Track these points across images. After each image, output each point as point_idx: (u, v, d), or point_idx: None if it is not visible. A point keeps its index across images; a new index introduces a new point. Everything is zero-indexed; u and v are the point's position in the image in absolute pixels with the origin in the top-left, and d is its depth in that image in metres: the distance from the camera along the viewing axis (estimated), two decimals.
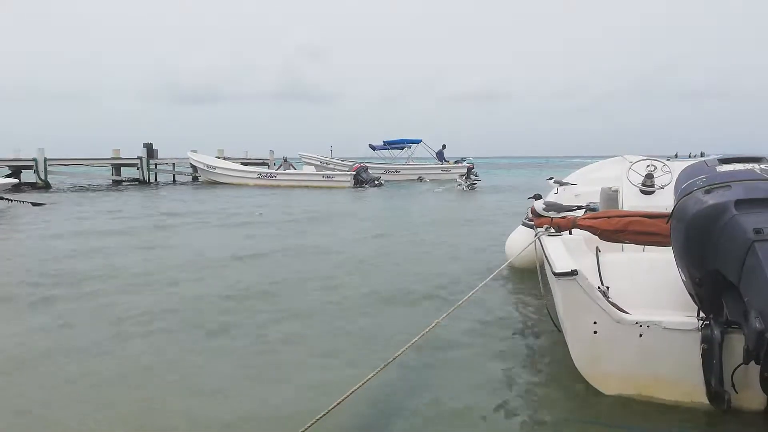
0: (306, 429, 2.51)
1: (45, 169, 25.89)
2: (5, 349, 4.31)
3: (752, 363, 2.89)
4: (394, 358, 3.12)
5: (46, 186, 25.45)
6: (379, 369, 2.97)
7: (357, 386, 2.76)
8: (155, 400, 3.45)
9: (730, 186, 2.97)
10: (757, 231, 2.78)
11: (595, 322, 3.31)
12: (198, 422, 3.18)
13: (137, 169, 29.22)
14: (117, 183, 28.69)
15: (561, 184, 8.56)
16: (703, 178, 3.10)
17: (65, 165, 27.90)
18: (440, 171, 30.49)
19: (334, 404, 2.66)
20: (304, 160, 30.53)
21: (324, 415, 2.60)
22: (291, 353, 4.26)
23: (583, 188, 7.71)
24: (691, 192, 3.09)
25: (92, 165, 29.87)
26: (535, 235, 4.79)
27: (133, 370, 3.91)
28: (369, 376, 2.86)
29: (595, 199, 6.35)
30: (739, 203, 2.89)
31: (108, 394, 3.51)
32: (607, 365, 3.38)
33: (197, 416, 3.25)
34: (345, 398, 2.69)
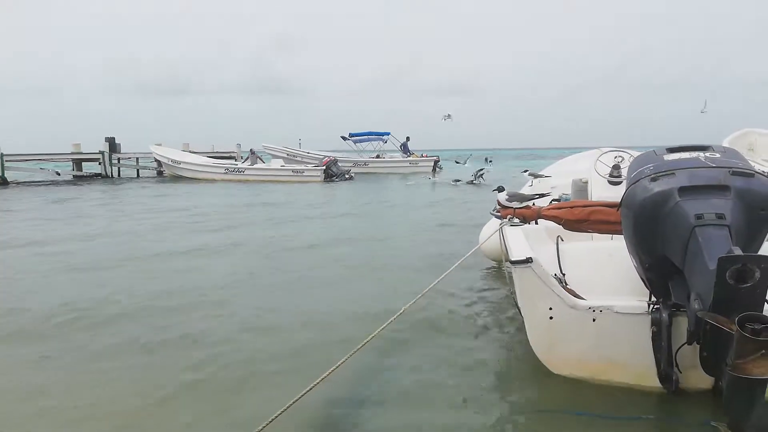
0: (270, 422, 2.50)
1: (2, 164, 25.06)
2: None
3: (696, 344, 3.00)
4: (362, 345, 3.15)
5: (3, 182, 24.65)
6: (346, 357, 3.02)
7: (326, 373, 2.81)
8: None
9: (674, 174, 3.07)
10: (698, 216, 2.89)
11: (550, 308, 3.40)
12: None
13: (99, 164, 28.52)
14: (78, 178, 27.94)
15: (536, 176, 8.78)
16: (651, 166, 3.20)
17: (24, 160, 27.05)
18: (408, 164, 30.61)
19: (303, 392, 2.68)
20: (268, 152, 30.07)
21: (293, 403, 2.63)
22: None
23: (557, 180, 7.87)
24: (638, 180, 3.20)
25: (52, 160, 29.01)
26: (500, 225, 4.90)
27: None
28: (337, 364, 2.92)
29: (568, 190, 6.53)
30: (683, 190, 2.99)
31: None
32: (562, 350, 3.48)
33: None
34: (314, 386, 2.73)
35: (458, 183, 21.62)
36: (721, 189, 2.96)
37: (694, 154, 3.20)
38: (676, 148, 3.32)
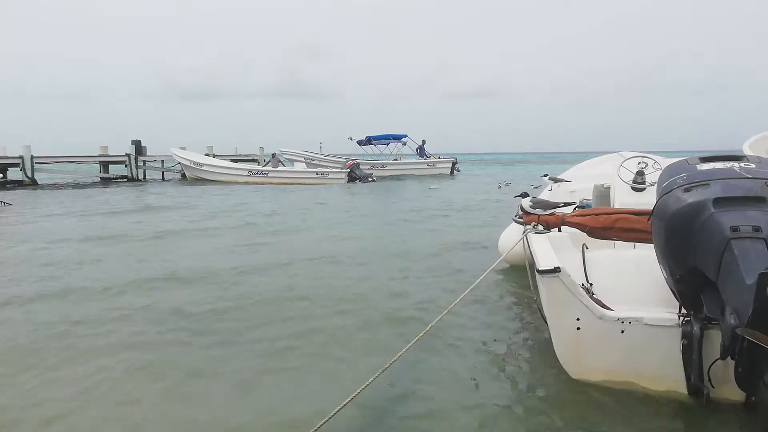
0: None
1: (32, 166, 25.69)
2: None
3: (729, 359, 2.97)
4: (394, 360, 3.17)
5: (33, 183, 25.24)
6: (380, 371, 3.05)
7: (360, 389, 2.83)
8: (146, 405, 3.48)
9: (708, 184, 3.00)
10: (734, 229, 2.81)
11: (578, 319, 3.36)
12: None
13: (125, 166, 29.02)
14: (105, 180, 28.48)
15: (556, 180, 8.64)
16: (684, 176, 3.14)
17: (52, 162, 27.65)
18: (426, 166, 30.90)
19: (336, 409, 2.70)
20: (286, 157, 29.99)
21: (327, 420, 2.67)
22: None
23: (577, 185, 7.74)
24: (671, 190, 3.13)
25: (80, 162, 29.58)
26: (523, 232, 4.86)
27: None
28: (372, 378, 2.94)
29: (589, 195, 6.45)
30: (717, 201, 2.91)
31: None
32: (590, 361, 3.44)
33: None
34: (350, 400, 2.75)
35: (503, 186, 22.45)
36: (757, 201, 2.89)
37: (728, 164, 3.13)
38: (710, 157, 3.25)
